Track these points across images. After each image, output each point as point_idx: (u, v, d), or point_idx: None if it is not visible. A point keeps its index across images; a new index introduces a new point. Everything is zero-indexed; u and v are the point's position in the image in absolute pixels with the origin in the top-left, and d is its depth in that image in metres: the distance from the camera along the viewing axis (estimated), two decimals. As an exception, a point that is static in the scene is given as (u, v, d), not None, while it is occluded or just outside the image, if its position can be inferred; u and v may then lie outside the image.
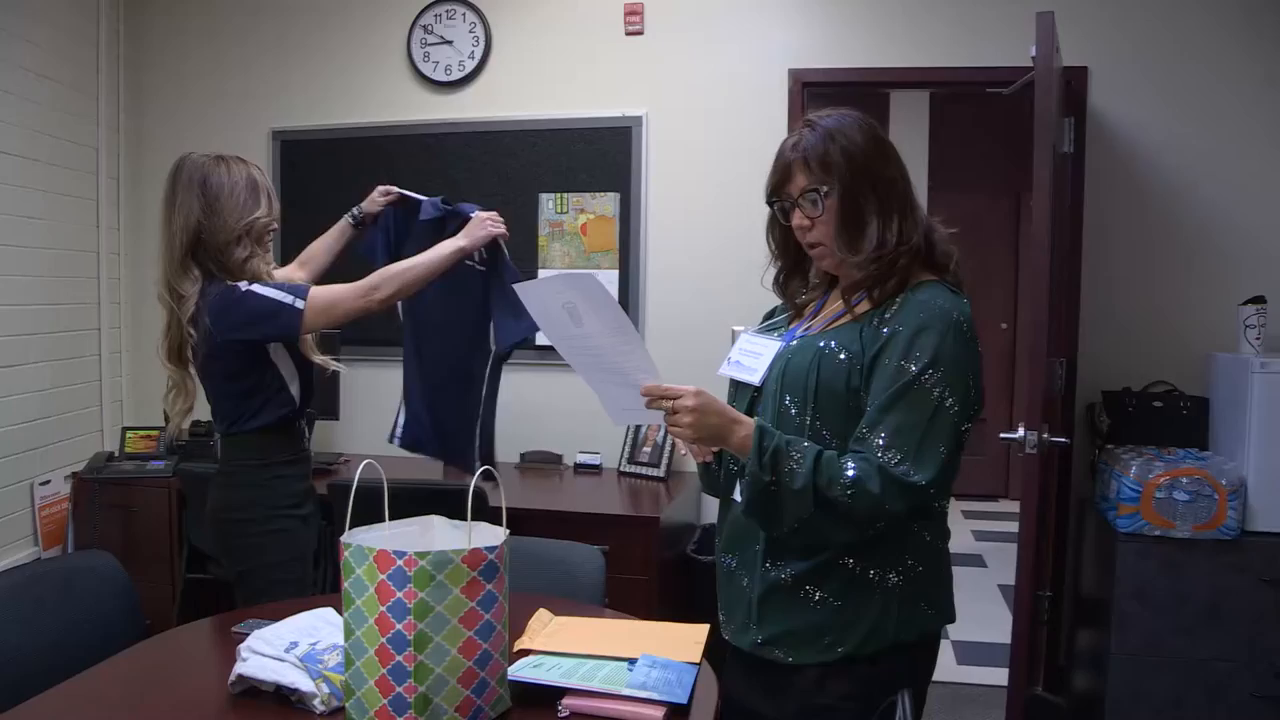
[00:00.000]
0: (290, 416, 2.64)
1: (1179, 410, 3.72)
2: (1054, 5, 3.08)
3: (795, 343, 1.87)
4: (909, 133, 6.86)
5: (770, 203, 1.89)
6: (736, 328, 2.11)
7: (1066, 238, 3.85)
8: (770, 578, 1.81)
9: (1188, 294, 3.92)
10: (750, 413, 1.83)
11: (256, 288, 2.50)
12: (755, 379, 1.89)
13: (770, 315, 2.07)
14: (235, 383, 2.58)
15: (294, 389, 2.65)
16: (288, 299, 2.49)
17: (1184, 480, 3.25)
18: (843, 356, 1.75)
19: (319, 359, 2.69)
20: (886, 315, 1.74)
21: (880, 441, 1.65)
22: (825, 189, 1.77)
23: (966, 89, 5.33)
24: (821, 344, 1.79)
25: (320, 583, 2.75)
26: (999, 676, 3.77)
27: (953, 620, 1.87)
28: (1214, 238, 3.90)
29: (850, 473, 1.64)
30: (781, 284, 2.00)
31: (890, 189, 1.78)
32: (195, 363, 2.57)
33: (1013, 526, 3.38)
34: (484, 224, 2.74)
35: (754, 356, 1.92)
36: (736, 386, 1.95)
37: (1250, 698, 3.26)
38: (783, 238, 1.93)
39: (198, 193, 2.53)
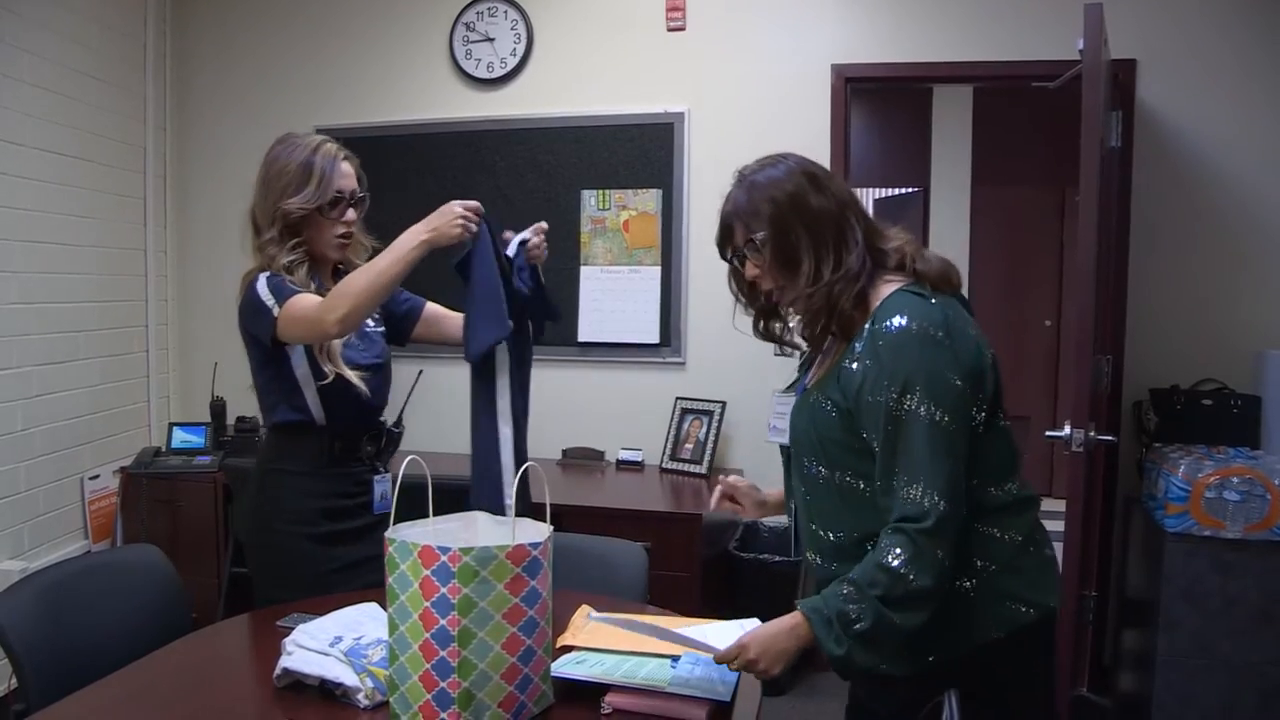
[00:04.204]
0: (304, 424, 2.42)
1: (1229, 409, 3.66)
2: (1102, -3, 3.04)
3: (799, 398, 1.92)
4: (952, 127, 6.82)
5: (724, 258, 1.98)
6: (777, 389, 2.12)
7: (1113, 233, 3.80)
8: None
9: (1238, 290, 3.86)
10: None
11: (262, 280, 2.34)
12: (786, 439, 1.96)
13: (802, 363, 2.07)
14: (257, 372, 2.44)
15: (309, 396, 2.40)
16: (270, 301, 2.29)
17: (1235, 480, 3.18)
18: (828, 406, 1.80)
19: (329, 368, 2.35)
20: (857, 349, 1.75)
21: (904, 493, 1.65)
22: (760, 236, 1.84)
23: (1011, 83, 5.27)
24: (813, 399, 1.84)
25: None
26: (1044, 677, 3.74)
27: (1051, 606, 1.80)
28: (1265, 233, 3.83)
29: (896, 562, 1.63)
30: (762, 330, 2.03)
31: (820, 220, 1.81)
32: None
33: (1057, 525, 3.34)
34: (454, 214, 2.24)
35: (783, 417, 1.99)
36: (782, 449, 2.00)
37: (1304, 703, 3.20)
38: (748, 285, 1.97)
39: (260, 173, 2.44)
